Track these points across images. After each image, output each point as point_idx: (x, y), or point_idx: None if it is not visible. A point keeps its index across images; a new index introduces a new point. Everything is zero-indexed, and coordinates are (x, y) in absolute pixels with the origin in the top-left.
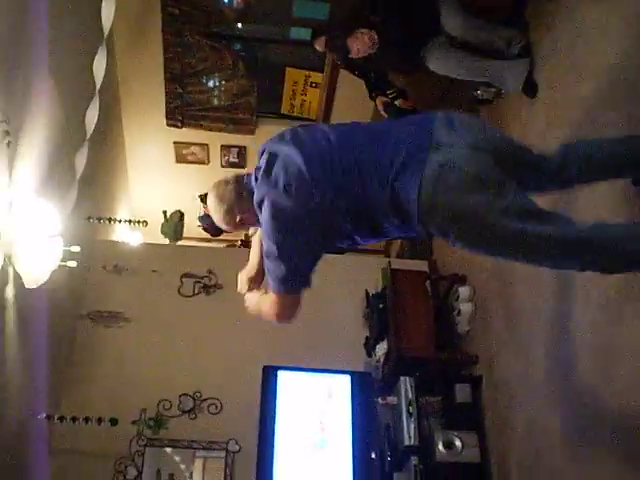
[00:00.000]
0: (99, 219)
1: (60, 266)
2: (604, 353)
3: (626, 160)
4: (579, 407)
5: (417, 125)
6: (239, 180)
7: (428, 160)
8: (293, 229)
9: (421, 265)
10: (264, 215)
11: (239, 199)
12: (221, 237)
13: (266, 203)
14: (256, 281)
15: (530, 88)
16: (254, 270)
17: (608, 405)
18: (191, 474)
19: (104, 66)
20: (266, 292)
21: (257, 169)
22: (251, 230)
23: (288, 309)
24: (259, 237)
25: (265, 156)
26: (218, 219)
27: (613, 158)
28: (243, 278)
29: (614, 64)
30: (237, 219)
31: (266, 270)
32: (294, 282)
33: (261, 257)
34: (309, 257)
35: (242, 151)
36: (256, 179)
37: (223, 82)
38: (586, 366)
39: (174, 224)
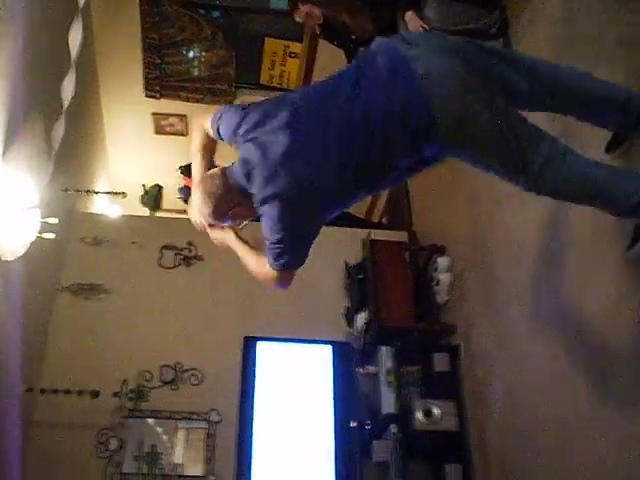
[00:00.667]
0: (77, 191)
1: (38, 238)
2: (579, 319)
3: (602, 102)
4: (554, 374)
5: (383, 55)
6: (226, 174)
7: (412, 75)
8: (304, 225)
9: (401, 236)
10: (272, 213)
11: (228, 194)
12: None
13: (276, 202)
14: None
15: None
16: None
17: (583, 369)
18: (174, 445)
19: (80, 37)
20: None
21: (245, 162)
22: (242, 224)
23: (288, 281)
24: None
25: (254, 149)
26: (207, 214)
27: (588, 95)
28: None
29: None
30: (228, 213)
31: (267, 251)
32: (297, 264)
33: None
34: (309, 242)
35: (222, 141)
36: (247, 174)
37: (203, 53)
38: (561, 332)
39: (153, 196)
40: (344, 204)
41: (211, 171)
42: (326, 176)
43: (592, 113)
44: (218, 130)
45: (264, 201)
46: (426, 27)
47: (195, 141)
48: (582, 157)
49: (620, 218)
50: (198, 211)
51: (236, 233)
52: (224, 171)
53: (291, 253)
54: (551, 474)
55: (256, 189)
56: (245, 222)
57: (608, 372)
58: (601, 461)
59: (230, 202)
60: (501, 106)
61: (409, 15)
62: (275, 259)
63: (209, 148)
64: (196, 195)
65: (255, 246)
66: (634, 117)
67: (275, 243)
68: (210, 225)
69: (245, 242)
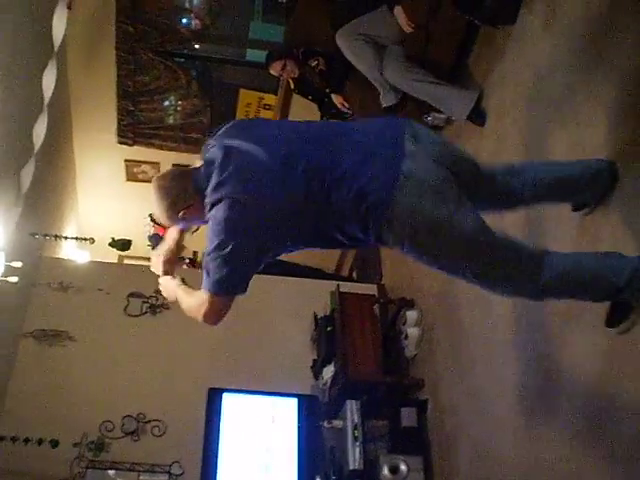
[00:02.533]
0: (45, 235)
1: (1, 281)
2: (547, 374)
3: (570, 184)
4: (522, 433)
5: (383, 132)
6: (184, 174)
7: (395, 169)
8: (249, 234)
9: (370, 289)
10: (218, 215)
11: (183, 193)
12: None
13: (224, 204)
14: (171, 264)
15: (479, 117)
16: (171, 253)
17: (552, 427)
18: None
19: (54, 80)
20: (185, 283)
21: (209, 164)
22: (194, 229)
23: (218, 311)
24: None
25: (219, 152)
26: (159, 213)
27: (559, 181)
28: (159, 259)
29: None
30: (180, 214)
31: (204, 268)
32: (232, 286)
33: (179, 240)
34: (255, 264)
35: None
36: (208, 176)
37: (178, 101)
38: (526, 390)
39: (121, 244)
40: (290, 240)
41: (168, 170)
42: (280, 203)
43: (562, 196)
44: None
45: (213, 203)
46: (412, 26)
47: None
48: (561, 253)
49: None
50: (157, 213)
51: (182, 280)
52: (182, 172)
53: (228, 267)
54: None
55: (209, 191)
56: (198, 227)
57: (574, 431)
58: None
59: (184, 202)
60: (477, 224)
61: (398, 10)
62: (210, 274)
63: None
64: (152, 190)
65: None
66: (603, 185)
67: (214, 250)
68: (165, 272)
69: (188, 286)
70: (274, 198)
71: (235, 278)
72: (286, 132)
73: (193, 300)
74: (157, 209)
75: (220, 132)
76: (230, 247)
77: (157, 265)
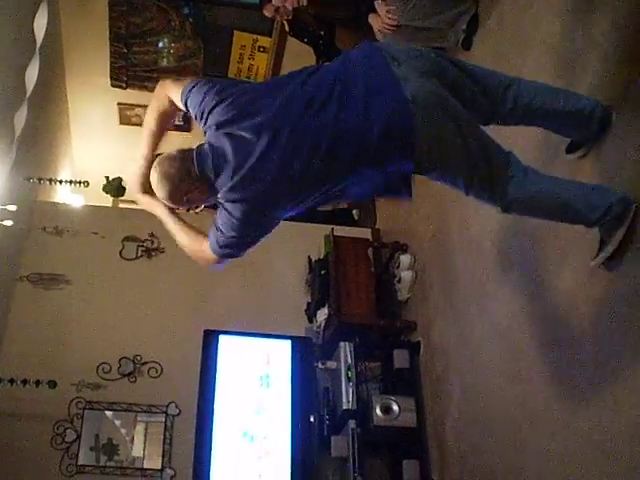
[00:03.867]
0: (39, 179)
1: None
2: (538, 323)
3: (565, 116)
4: (511, 374)
5: (370, 65)
6: (186, 157)
7: (399, 100)
8: (260, 228)
9: (364, 233)
10: (235, 213)
11: (187, 178)
12: None
13: (241, 206)
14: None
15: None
16: (145, 168)
17: (538, 369)
18: (132, 438)
19: (45, 24)
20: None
21: (217, 154)
22: (199, 209)
23: (221, 264)
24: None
25: (227, 143)
26: (163, 197)
27: (550, 113)
28: (135, 179)
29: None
30: (184, 198)
31: (214, 236)
32: (237, 254)
33: (153, 150)
34: (260, 238)
35: (188, 114)
36: (217, 167)
37: (172, 44)
38: (518, 332)
39: (115, 187)
40: (303, 206)
41: (169, 152)
42: (296, 180)
43: (555, 125)
44: (187, 102)
45: (229, 199)
46: (390, 25)
47: (154, 104)
48: (543, 174)
49: (588, 228)
50: (160, 197)
51: (171, 209)
52: (184, 154)
53: (239, 247)
54: (505, 468)
55: (223, 185)
56: (202, 207)
57: (563, 372)
58: (551, 455)
59: (188, 187)
60: (473, 127)
61: (372, 17)
62: (221, 247)
63: (168, 115)
64: (153, 177)
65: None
66: (596, 128)
67: (228, 238)
68: (145, 191)
69: (178, 217)
70: (285, 185)
71: (243, 251)
72: (282, 102)
73: (196, 247)
74: (159, 193)
75: (214, 115)
76: (242, 238)
77: (135, 186)
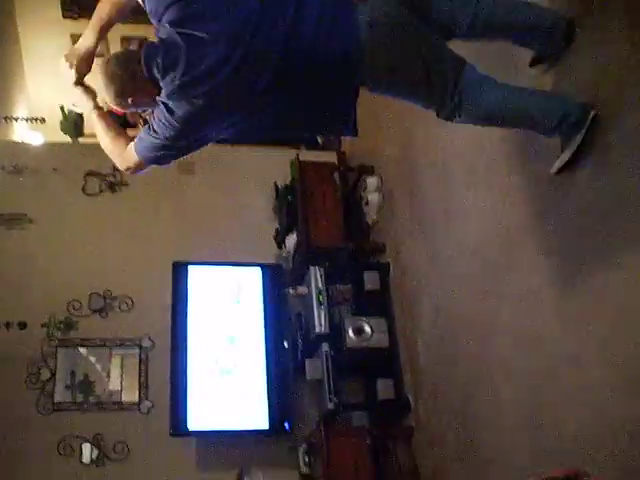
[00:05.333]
0: None
1: None
2: (506, 238)
3: (523, 31)
4: (481, 290)
5: None
6: (131, 56)
7: (357, 21)
8: (194, 134)
9: (330, 157)
10: (177, 113)
11: (132, 79)
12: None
13: (185, 105)
14: (88, 65)
15: None
16: (87, 53)
17: (508, 285)
18: (109, 372)
19: None
20: (99, 108)
21: (167, 48)
22: (145, 112)
23: (140, 171)
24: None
25: (180, 41)
26: (109, 99)
27: (511, 26)
28: (74, 53)
29: None
30: (129, 100)
31: (142, 137)
32: (163, 162)
33: (98, 40)
34: (191, 151)
35: (144, 42)
36: (164, 64)
37: None
38: (485, 249)
39: (73, 121)
40: (240, 125)
41: (116, 52)
42: (246, 94)
43: (517, 39)
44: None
45: (175, 98)
46: None
47: None
48: (500, 83)
49: (546, 137)
50: (106, 99)
51: (98, 107)
52: (130, 54)
53: (165, 152)
54: (476, 379)
55: (170, 84)
56: (149, 110)
57: (531, 285)
58: (519, 365)
59: (133, 87)
60: (428, 38)
61: None
62: (149, 150)
63: (122, 5)
64: (99, 77)
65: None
66: (559, 42)
67: (160, 139)
68: (79, 75)
69: (106, 117)
70: (236, 92)
71: (169, 159)
72: (242, 11)
73: (118, 148)
74: (106, 95)
75: (171, 11)
76: (176, 142)
77: (70, 57)
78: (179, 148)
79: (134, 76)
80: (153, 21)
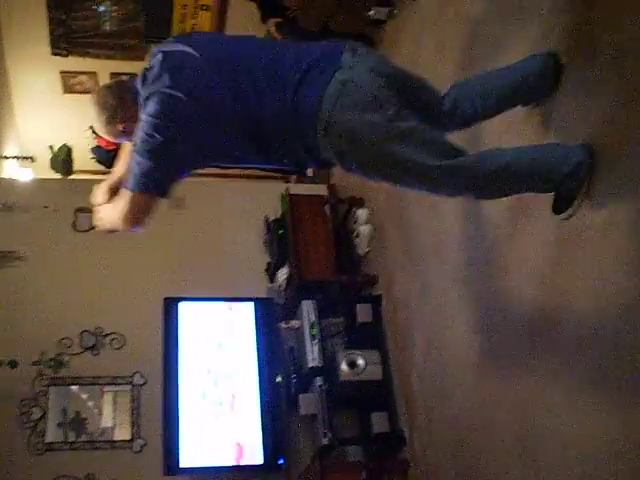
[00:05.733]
0: None
1: None
2: (498, 267)
3: (521, 88)
4: (474, 322)
5: (325, 48)
6: (121, 84)
7: (332, 79)
8: (176, 131)
9: (320, 189)
10: (148, 109)
11: (122, 105)
12: None
13: (155, 99)
14: (116, 193)
15: None
16: (119, 181)
17: (504, 314)
18: (101, 409)
19: None
20: None
21: (147, 69)
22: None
23: (138, 212)
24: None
25: (159, 56)
26: (100, 128)
27: (507, 90)
28: (103, 188)
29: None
30: (120, 128)
31: (129, 166)
32: (153, 183)
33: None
34: (178, 165)
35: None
36: (144, 79)
37: (114, 7)
38: (477, 281)
39: (63, 159)
40: (223, 153)
41: (108, 82)
42: (212, 103)
43: (515, 101)
44: None
45: (146, 100)
46: None
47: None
48: (494, 149)
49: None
50: (98, 128)
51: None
52: (120, 82)
53: (152, 161)
54: (468, 412)
55: (142, 88)
56: None
57: (527, 318)
58: (516, 400)
59: (123, 115)
60: (411, 127)
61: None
62: (132, 172)
63: None
64: (92, 106)
65: None
66: (550, 83)
67: (141, 143)
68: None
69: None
70: (207, 97)
71: (157, 174)
72: (227, 39)
73: (115, 209)
74: (97, 124)
75: (165, 42)
76: (157, 142)
77: (100, 193)
78: (168, 154)
79: (124, 104)
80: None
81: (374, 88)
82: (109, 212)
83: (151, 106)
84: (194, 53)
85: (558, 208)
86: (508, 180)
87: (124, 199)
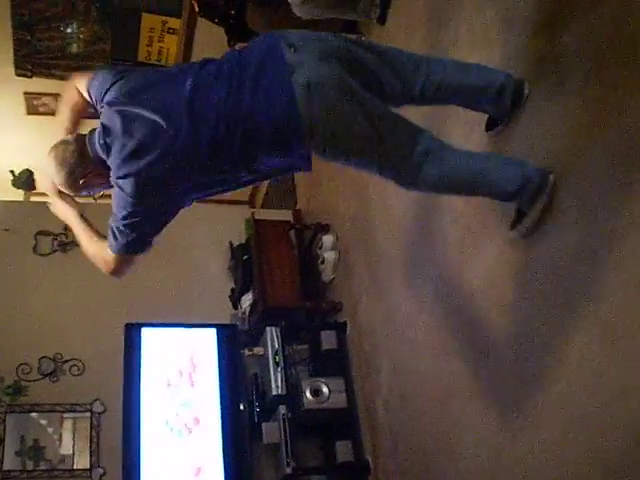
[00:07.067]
0: None
1: None
2: (460, 292)
3: (474, 94)
4: (439, 347)
5: (267, 53)
6: (80, 140)
7: (293, 84)
8: (158, 198)
9: (285, 215)
10: (127, 190)
11: (81, 161)
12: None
13: (132, 181)
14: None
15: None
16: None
17: (468, 342)
18: (60, 436)
19: None
20: (85, 219)
21: (107, 131)
22: (98, 194)
23: (123, 268)
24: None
25: (117, 119)
26: (59, 183)
27: (463, 89)
28: (49, 185)
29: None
30: (80, 182)
31: (110, 231)
32: (139, 248)
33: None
34: (161, 224)
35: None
36: (108, 145)
37: (80, 28)
38: (442, 308)
39: (24, 181)
40: (204, 192)
41: (65, 137)
42: (190, 161)
43: (467, 103)
44: (89, 90)
45: (120, 176)
46: None
47: (65, 95)
48: (458, 149)
49: (504, 203)
50: (50, 179)
51: (81, 215)
52: (79, 137)
53: (136, 232)
54: (435, 444)
55: (113, 163)
56: (101, 192)
57: (490, 344)
58: (481, 429)
59: (83, 171)
60: (378, 107)
61: None
62: (116, 238)
63: (78, 106)
64: (49, 162)
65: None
66: (509, 102)
67: (121, 219)
68: (60, 194)
69: (88, 223)
70: (180, 161)
71: (141, 241)
72: (180, 84)
73: (99, 252)
74: (57, 180)
75: (109, 93)
76: (138, 217)
77: (46, 185)
78: (142, 226)
79: (83, 159)
80: (97, 107)
81: (331, 79)
82: (64, 210)
83: (129, 187)
84: (160, 122)
85: (512, 224)
86: (461, 183)
87: (109, 255)
